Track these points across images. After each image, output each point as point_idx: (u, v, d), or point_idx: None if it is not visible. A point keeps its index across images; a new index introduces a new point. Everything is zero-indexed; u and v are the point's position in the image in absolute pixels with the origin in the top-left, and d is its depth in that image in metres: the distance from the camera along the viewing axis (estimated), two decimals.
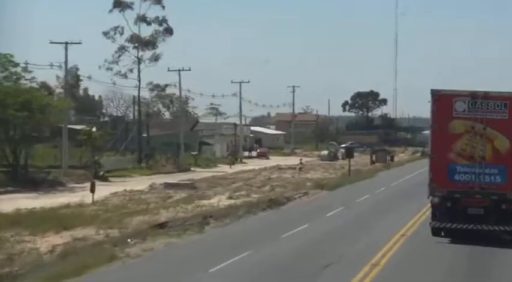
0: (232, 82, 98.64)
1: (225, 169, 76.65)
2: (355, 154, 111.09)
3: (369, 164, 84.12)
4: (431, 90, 26.91)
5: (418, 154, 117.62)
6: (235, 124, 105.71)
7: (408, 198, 42.40)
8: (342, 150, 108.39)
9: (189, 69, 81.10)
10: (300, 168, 68.86)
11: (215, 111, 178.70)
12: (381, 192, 48.51)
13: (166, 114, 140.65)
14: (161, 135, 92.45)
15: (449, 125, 26.75)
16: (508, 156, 26.47)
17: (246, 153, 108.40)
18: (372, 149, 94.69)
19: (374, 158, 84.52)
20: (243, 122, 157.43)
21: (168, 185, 50.74)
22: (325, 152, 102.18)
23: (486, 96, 26.60)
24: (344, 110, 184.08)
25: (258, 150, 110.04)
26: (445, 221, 26.71)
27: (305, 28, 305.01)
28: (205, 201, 40.75)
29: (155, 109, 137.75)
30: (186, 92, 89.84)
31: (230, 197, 43.52)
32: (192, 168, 76.93)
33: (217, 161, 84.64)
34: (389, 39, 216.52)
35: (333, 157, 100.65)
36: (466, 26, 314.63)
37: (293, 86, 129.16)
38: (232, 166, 79.29)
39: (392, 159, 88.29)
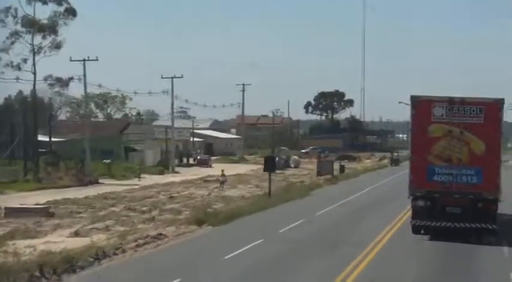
0: (162, 77, 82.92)
1: (145, 181, 64.91)
2: (313, 161, 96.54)
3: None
4: (411, 96, 28.49)
5: (386, 161, 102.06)
6: (167, 127, 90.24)
7: (321, 251, 25.80)
8: (296, 157, 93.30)
9: (96, 59, 65.58)
10: (222, 183, 53.62)
11: (183, 114, 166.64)
12: (287, 233, 29.73)
13: (100, 116, 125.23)
14: (75, 140, 76.98)
15: (428, 129, 28.20)
16: (483, 158, 27.82)
17: (185, 160, 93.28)
18: (318, 157, 79.19)
19: (319, 168, 68.72)
20: (202, 125, 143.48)
21: (11, 211, 35.54)
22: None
23: (463, 101, 28.15)
24: (307, 112, 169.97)
25: (198, 158, 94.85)
26: (424, 219, 28.21)
27: (261, 24, 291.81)
28: (26, 243, 26.15)
29: (87, 110, 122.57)
30: (97, 87, 73.45)
31: (76, 233, 28.49)
32: (101, 181, 61.75)
33: (140, 171, 69.25)
34: (356, 37, 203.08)
35: (283, 165, 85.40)
36: (433, 28, 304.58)
37: (243, 84, 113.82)
38: (140, 179, 64.36)
39: (343, 169, 72.67)
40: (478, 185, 27.91)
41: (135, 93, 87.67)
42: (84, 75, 66.96)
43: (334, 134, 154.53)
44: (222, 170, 58.15)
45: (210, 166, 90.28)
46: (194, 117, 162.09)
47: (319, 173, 66.26)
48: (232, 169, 78.45)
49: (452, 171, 28.08)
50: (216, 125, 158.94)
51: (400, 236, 28.90)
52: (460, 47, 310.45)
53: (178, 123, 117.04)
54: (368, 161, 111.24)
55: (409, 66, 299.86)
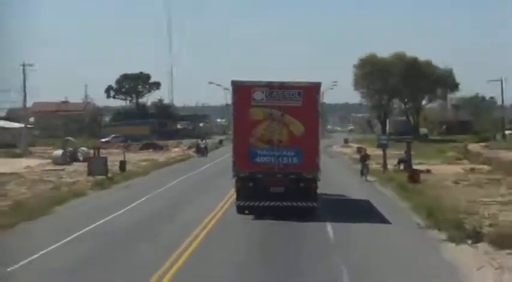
0: None
1: None
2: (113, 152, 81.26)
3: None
4: (232, 81, 29.98)
5: (193, 150, 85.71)
6: None
7: None
8: (85, 148, 76.09)
9: None
10: None
11: None
12: None
13: None
14: None
15: (249, 112, 29.51)
16: (302, 139, 29.48)
17: None
18: (95, 150, 62.13)
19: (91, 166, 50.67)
20: None
21: None
22: (59, 153, 69.99)
23: (282, 86, 29.67)
24: (108, 96, 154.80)
25: None
26: (248, 199, 29.65)
27: None
28: None
29: None
30: None
31: None
32: None
33: None
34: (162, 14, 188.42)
35: (70, 158, 68.45)
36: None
37: (23, 65, 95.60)
38: None
39: (123, 166, 54.97)
40: (298, 165, 29.60)
41: None
42: None
43: (143, 120, 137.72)
44: None
45: None
46: None
47: (90, 173, 48.38)
48: (11, 166, 62.86)
49: (273, 152, 29.62)
50: (15, 114, 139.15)
51: None
52: (279, 26, 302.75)
53: None
54: (176, 149, 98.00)
55: (222, 46, 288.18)
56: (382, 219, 29.44)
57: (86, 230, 26.34)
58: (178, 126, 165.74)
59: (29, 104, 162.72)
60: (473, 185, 41.83)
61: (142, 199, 36.66)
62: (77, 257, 21.31)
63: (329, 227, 26.82)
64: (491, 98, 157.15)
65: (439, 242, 23.89)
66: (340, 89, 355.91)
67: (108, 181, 46.09)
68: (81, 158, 77.16)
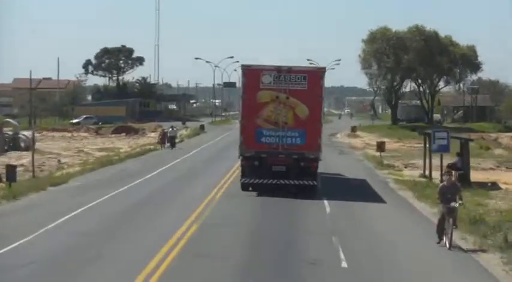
0: None
1: None
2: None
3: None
4: (242, 65, 32.14)
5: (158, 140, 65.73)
6: None
7: None
8: (27, 133, 59.43)
9: None
10: None
11: None
12: None
13: None
14: None
15: (257, 95, 30.90)
16: (307, 121, 31.07)
17: None
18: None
19: None
20: None
21: None
22: None
23: (289, 70, 31.14)
24: (87, 72, 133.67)
25: None
26: (253, 177, 31.38)
27: None
28: None
29: None
30: None
31: None
32: None
33: None
34: None
35: (8, 146, 59.01)
36: None
37: None
38: None
39: (11, 175, 31.99)
40: (301, 145, 30.92)
41: None
42: None
43: (121, 99, 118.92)
44: None
45: None
46: None
47: None
48: None
49: (278, 133, 30.82)
50: None
51: None
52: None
53: None
54: (153, 134, 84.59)
55: (217, 21, 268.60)
56: None
57: None
58: (172, 107, 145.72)
59: (9, 80, 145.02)
60: None
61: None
62: None
63: None
64: (497, 81, 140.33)
65: None
66: (336, 71, 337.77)
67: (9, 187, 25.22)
68: (22, 144, 58.77)
